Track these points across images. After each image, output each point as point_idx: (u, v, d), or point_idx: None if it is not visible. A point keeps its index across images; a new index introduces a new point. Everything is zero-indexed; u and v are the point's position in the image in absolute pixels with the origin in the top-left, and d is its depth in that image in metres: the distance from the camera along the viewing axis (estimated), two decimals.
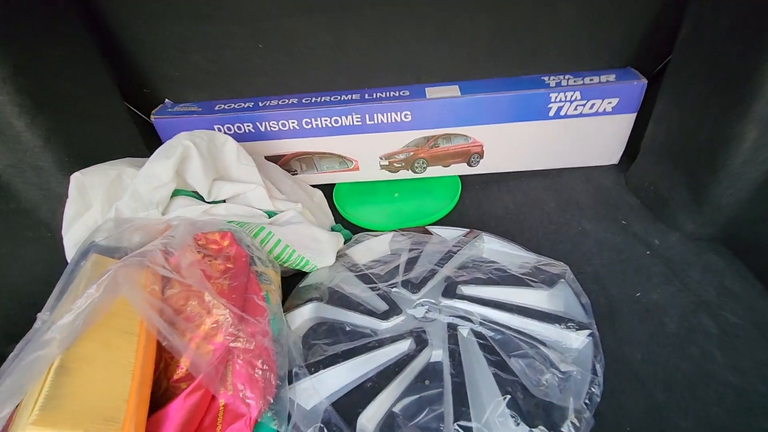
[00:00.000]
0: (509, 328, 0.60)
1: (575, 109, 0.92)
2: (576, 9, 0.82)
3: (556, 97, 0.90)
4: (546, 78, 0.93)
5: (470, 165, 1.02)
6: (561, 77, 0.92)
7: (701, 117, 0.73)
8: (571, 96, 0.90)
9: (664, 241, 0.78)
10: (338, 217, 1.00)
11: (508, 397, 0.50)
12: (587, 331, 0.58)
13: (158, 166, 0.69)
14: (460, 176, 1.05)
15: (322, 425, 0.51)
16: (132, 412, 0.40)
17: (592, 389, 0.53)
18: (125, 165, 0.74)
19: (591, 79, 0.91)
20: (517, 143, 0.98)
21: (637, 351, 0.62)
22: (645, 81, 0.88)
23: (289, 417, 0.53)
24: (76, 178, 0.69)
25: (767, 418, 0.53)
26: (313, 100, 0.94)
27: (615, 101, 0.91)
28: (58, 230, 0.69)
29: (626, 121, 0.94)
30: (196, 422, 0.47)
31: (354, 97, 0.94)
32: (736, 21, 0.64)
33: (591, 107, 0.92)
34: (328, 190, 1.06)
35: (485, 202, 0.98)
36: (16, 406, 0.40)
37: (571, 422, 0.48)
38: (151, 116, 0.95)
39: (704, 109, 0.72)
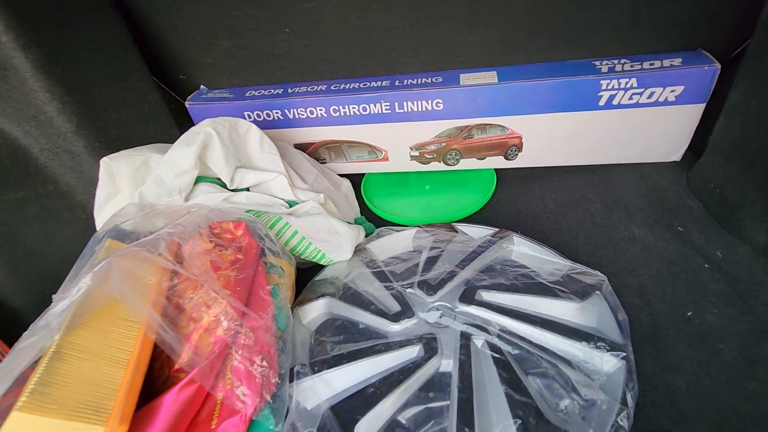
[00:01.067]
0: (529, 343, 0.54)
1: (630, 98, 0.82)
2: None
3: (607, 85, 0.80)
4: (597, 62, 0.83)
5: (507, 158, 0.95)
6: (615, 61, 0.82)
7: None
8: (626, 83, 0.80)
9: (729, 254, 0.68)
10: (365, 209, 0.97)
11: (519, 421, 0.45)
12: (621, 353, 0.51)
13: (180, 153, 0.70)
14: (496, 170, 0.98)
15: (320, 427, 0.49)
16: (121, 401, 0.40)
17: (620, 422, 0.46)
18: (152, 151, 0.76)
19: (651, 64, 0.80)
20: (561, 135, 0.89)
21: (682, 381, 0.54)
22: (718, 66, 0.76)
23: (288, 415, 0.51)
24: (105, 163, 0.71)
25: None
26: (341, 87, 0.91)
27: (680, 89, 0.79)
28: (92, 212, 0.72)
29: (693, 113, 0.82)
30: (190, 415, 0.47)
31: (383, 83, 0.89)
32: None
33: (650, 96, 0.81)
34: (357, 179, 1.03)
35: (522, 199, 0.91)
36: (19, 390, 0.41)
37: None
38: (186, 102, 0.97)
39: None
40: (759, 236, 0.66)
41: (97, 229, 0.72)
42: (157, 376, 0.51)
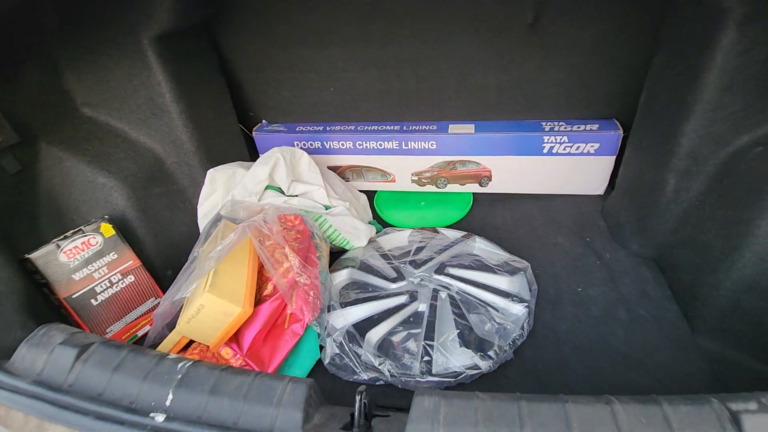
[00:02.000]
0: (473, 296, 0.89)
1: (564, 149, 1.19)
2: (565, 72, 1.10)
3: (548, 139, 1.18)
4: (544, 123, 1.21)
5: (481, 185, 1.32)
6: (555, 123, 1.20)
7: (646, 164, 0.98)
8: (561, 139, 1.17)
9: (614, 255, 1.03)
10: (376, 216, 1.33)
11: (459, 331, 0.81)
12: (525, 304, 0.87)
13: (259, 169, 1.07)
14: (473, 193, 1.35)
15: (345, 333, 0.84)
16: (247, 297, 0.76)
17: (516, 338, 0.81)
18: (237, 166, 1.13)
19: (578, 127, 1.17)
20: (518, 172, 1.26)
21: (564, 324, 0.89)
22: (621, 132, 1.14)
23: (325, 328, 0.87)
24: (210, 173, 1.08)
25: (640, 375, 0.78)
26: (365, 128, 1.29)
27: (597, 145, 1.17)
28: (196, 205, 1.09)
29: (607, 162, 1.19)
30: (275, 317, 0.83)
31: (394, 127, 1.27)
32: (670, 95, 0.90)
33: (577, 148, 1.18)
34: (371, 195, 1.40)
35: (489, 215, 1.27)
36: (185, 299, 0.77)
37: (495, 351, 0.78)
38: (253, 132, 1.35)
39: (648, 159, 0.97)
40: (633, 245, 1.02)
41: (198, 215, 1.09)
42: (257, 299, 0.87)
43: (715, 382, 0.74)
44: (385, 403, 0.54)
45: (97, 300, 0.86)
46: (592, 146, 1.17)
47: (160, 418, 0.50)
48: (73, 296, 0.83)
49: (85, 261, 0.85)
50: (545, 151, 1.20)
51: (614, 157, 1.18)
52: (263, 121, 1.40)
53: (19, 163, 0.85)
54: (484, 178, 1.30)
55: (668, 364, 0.78)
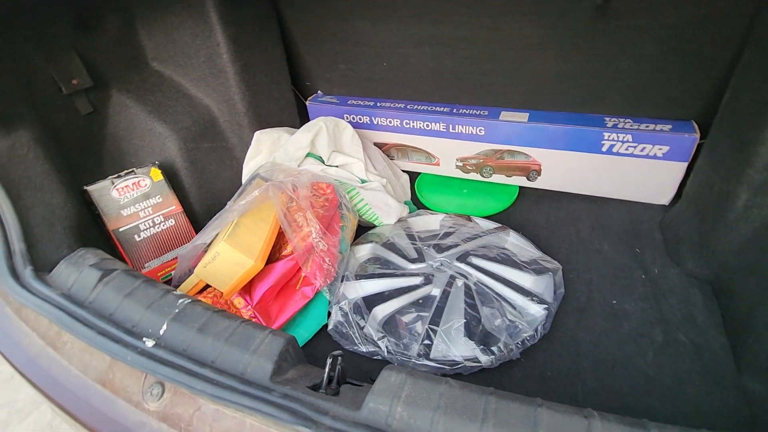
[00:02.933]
0: (490, 289, 0.85)
1: (627, 149, 1.07)
2: (636, 63, 0.98)
3: (609, 136, 1.07)
4: (607, 118, 1.10)
5: (529, 179, 1.24)
6: (619, 120, 1.08)
7: (718, 174, 0.85)
8: (624, 137, 1.06)
9: (664, 271, 0.92)
10: (415, 198, 1.31)
11: (465, 321, 0.77)
12: (545, 306, 0.81)
13: (302, 136, 1.10)
14: (519, 187, 1.27)
15: (353, 304, 0.85)
16: (262, 252, 0.79)
17: (527, 339, 0.76)
18: (283, 131, 1.17)
19: (647, 126, 1.05)
20: (571, 169, 1.16)
21: (588, 335, 0.81)
22: (697, 136, 1.00)
23: (337, 297, 0.88)
24: (257, 135, 1.13)
25: (662, 403, 0.70)
26: (414, 107, 1.26)
27: (666, 149, 1.04)
28: (242, 163, 1.15)
29: (677, 169, 1.06)
30: (288, 277, 0.85)
31: (444, 109, 1.23)
32: (754, 97, 0.77)
33: (642, 150, 1.06)
34: (414, 176, 1.38)
35: (533, 211, 1.19)
36: (209, 243, 0.82)
37: (499, 347, 0.74)
38: (307, 101, 1.39)
39: (721, 168, 0.84)
40: (688, 263, 0.90)
41: (243, 173, 1.15)
42: (271, 255, 0.90)
43: (750, 430, 0.64)
44: (372, 377, 0.53)
45: (140, 236, 0.94)
46: (661, 149, 1.04)
47: (149, 343, 0.54)
48: (120, 230, 0.92)
49: (133, 200, 0.93)
50: (604, 149, 1.09)
51: (686, 163, 1.04)
52: (318, 91, 1.43)
53: (91, 105, 0.94)
54: (532, 171, 1.22)
55: (699, 398, 0.69)
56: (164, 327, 0.56)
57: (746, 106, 0.79)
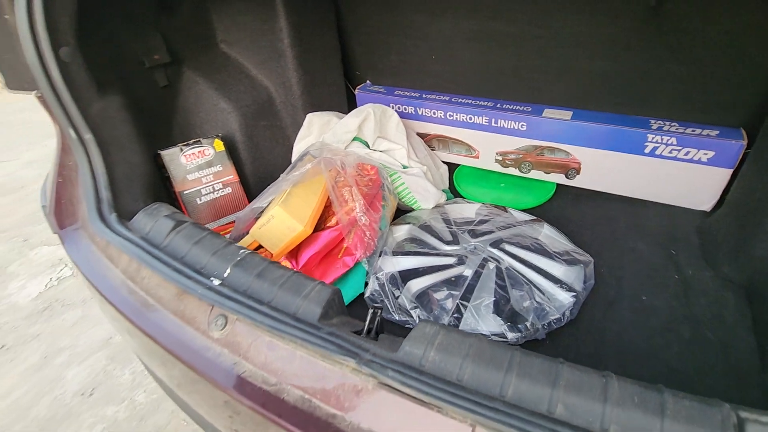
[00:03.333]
0: (521, 274, 0.89)
1: (670, 152, 1.07)
2: (687, 68, 0.99)
3: (653, 138, 1.07)
4: (653, 121, 1.10)
5: (567, 177, 1.26)
6: (666, 123, 1.09)
7: (761, 180, 0.85)
8: (668, 140, 1.06)
9: (698, 274, 0.93)
10: (453, 189, 1.36)
11: (494, 299, 0.82)
12: (573, 294, 0.84)
13: (350, 120, 1.17)
14: (557, 184, 1.29)
15: (390, 276, 0.91)
16: (311, 219, 0.87)
17: (553, 322, 0.80)
18: (333, 115, 1.25)
19: (693, 130, 1.05)
20: (612, 169, 1.17)
21: (615, 326, 0.84)
22: (744, 143, 0.99)
23: (374, 269, 0.94)
24: (309, 117, 1.21)
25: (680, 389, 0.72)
26: (458, 100, 1.31)
27: (711, 154, 1.03)
28: (293, 143, 1.24)
29: (720, 174, 1.05)
30: (332, 246, 0.92)
31: (487, 104, 1.27)
32: None
33: (686, 154, 1.06)
34: (453, 167, 1.42)
35: (569, 209, 1.21)
36: (264, 208, 0.90)
37: (525, 326, 0.78)
38: (356, 90, 1.46)
39: (766, 176, 0.84)
40: (723, 267, 0.90)
41: (293, 151, 1.24)
42: (318, 225, 0.97)
43: None
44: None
45: (201, 200, 1.04)
46: (706, 154, 1.04)
47: (216, 282, 0.62)
48: (184, 192, 1.02)
49: (197, 167, 1.03)
50: (647, 151, 1.10)
51: (731, 170, 1.03)
52: (367, 81, 1.49)
53: (167, 79, 1.05)
54: (572, 169, 1.23)
55: (720, 391, 0.70)
56: (228, 270, 0.64)
57: None
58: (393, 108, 1.39)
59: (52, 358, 1.62)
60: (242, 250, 0.68)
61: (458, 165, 1.43)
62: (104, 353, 1.61)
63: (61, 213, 0.82)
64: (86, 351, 1.63)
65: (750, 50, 0.90)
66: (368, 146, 1.22)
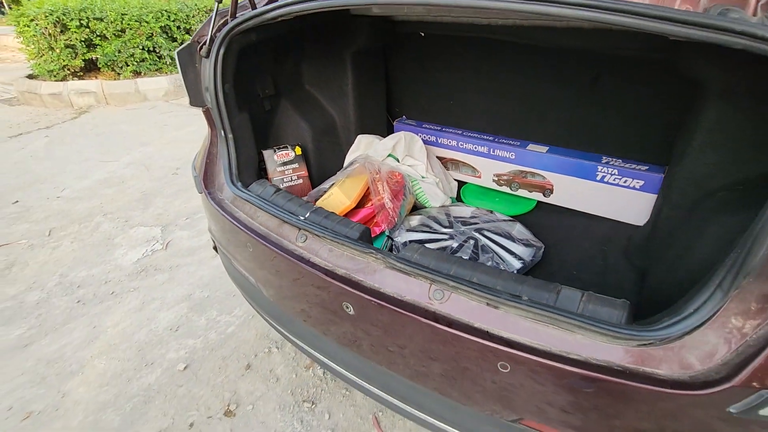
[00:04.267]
0: (490, 248, 1.33)
1: (614, 179, 1.49)
2: (622, 121, 1.42)
3: (601, 169, 1.50)
4: (605, 158, 1.53)
5: (545, 195, 1.69)
6: (612, 159, 1.51)
7: (658, 200, 1.26)
8: (612, 171, 1.48)
9: (617, 261, 1.33)
10: (461, 200, 1.81)
11: (468, 258, 1.26)
12: (522, 261, 1.27)
13: (387, 142, 1.67)
14: (538, 201, 1.72)
15: (406, 242, 1.37)
16: (355, 198, 1.36)
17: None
18: (375, 138, 1.76)
19: (630, 165, 1.47)
20: (575, 191, 1.60)
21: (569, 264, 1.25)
22: (662, 176, 1.40)
23: (392, 236, 1.41)
24: (359, 137, 1.73)
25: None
26: (468, 134, 1.79)
27: (642, 182, 1.45)
28: (345, 154, 1.75)
29: (649, 198, 1.45)
30: (366, 219, 1.40)
31: (488, 138, 1.74)
32: (675, 148, 1.18)
33: (625, 182, 1.48)
34: (462, 184, 1.89)
35: (543, 218, 1.64)
36: (326, 189, 1.41)
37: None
38: (395, 122, 1.97)
39: (661, 198, 1.25)
40: (633, 259, 1.30)
41: (345, 160, 1.75)
42: (361, 205, 1.46)
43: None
44: None
45: (283, 185, 1.56)
46: (638, 182, 1.45)
47: (302, 218, 1.11)
48: (274, 179, 1.54)
49: (283, 163, 1.55)
50: (598, 178, 1.52)
51: (656, 195, 1.43)
52: (403, 116, 2.01)
53: (270, 106, 1.60)
54: (547, 189, 1.67)
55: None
56: (307, 214, 1.12)
57: (675, 154, 1.21)
58: (419, 136, 1.89)
59: (148, 304, 2.15)
60: (313, 206, 1.17)
61: (465, 183, 1.89)
62: (186, 305, 2.13)
63: (206, 180, 1.35)
64: (172, 302, 2.15)
65: (661, 111, 1.33)
66: (398, 161, 1.71)
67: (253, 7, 1.14)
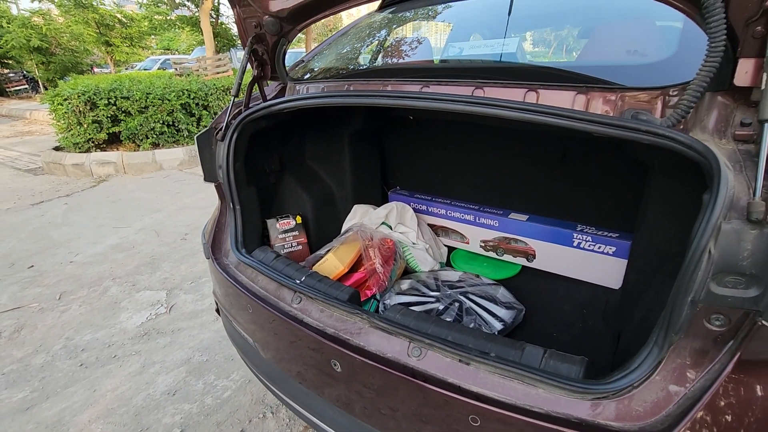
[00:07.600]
0: (474, 310, 1.42)
1: (589, 246, 1.61)
2: (592, 194, 1.57)
3: (577, 236, 1.63)
4: (580, 226, 1.67)
5: (528, 260, 1.80)
6: (587, 227, 1.64)
7: (631, 270, 1.37)
8: (586, 238, 1.61)
9: (595, 323, 1.41)
10: (451, 266, 1.93)
11: (451, 320, 1.35)
12: (503, 323, 1.35)
13: (381, 211, 1.83)
14: (522, 266, 1.83)
15: (392, 304, 1.47)
16: (348, 264, 1.48)
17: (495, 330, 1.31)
18: (370, 207, 1.92)
19: (602, 232, 1.60)
20: (554, 256, 1.71)
21: (550, 330, 1.32)
22: (630, 242, 1.52)
23: (382, 301, 1.50)
24: (355, 207, 1.89)
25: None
26: (455, 203, 1.94)
27: (614, 248, 1.56)
28: (342, 221, 1.90)
29: (621, 263, 1.56)
30: (359, 283, 1.51)
31: (474, 207, 1.89)
32: (638, 218, 1.32)
33: (599, 248, 1.59)
34: (452, 249, 2.01)
35: (527, 282, 1.74)
36: (322, 255, 1.54)
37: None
38: (389, 192, 2.15)
39: (629, 265, 1.37)
40: (610, 321, 1.38)
41: (342, 228, 1.89)
42: (354, 270, 1.57)
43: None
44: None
45: (283, 251, 1.69)
46: (611, 248, 1.57)
47: (298, 281, 1.22)
48: (275, 245, 1.67)
49: (284, 231, 1.70)
50: (575, 244, 1.64)
51: (626, 260, 1.54)
52: (397, 187, 2.19)
53: (275, 179, 1.78)
54: (530, 255, 1.78)
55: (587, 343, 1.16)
56: (303, 278, 1.24)
57: (637, 223, 1.34)
58: (411, 205, 2.06)
59: (148, 368, 2.19)
60: (308, 271, 1.29)
61: (455, 248, 2.02)
62: (185, 368, 2.17)
63: (214, 247, 1.49)
64: (172, 365, 2.19)
65: (624, 186, 1.49)
66: (391, 228, 1.86)
67: (264, 99, 1.35)
